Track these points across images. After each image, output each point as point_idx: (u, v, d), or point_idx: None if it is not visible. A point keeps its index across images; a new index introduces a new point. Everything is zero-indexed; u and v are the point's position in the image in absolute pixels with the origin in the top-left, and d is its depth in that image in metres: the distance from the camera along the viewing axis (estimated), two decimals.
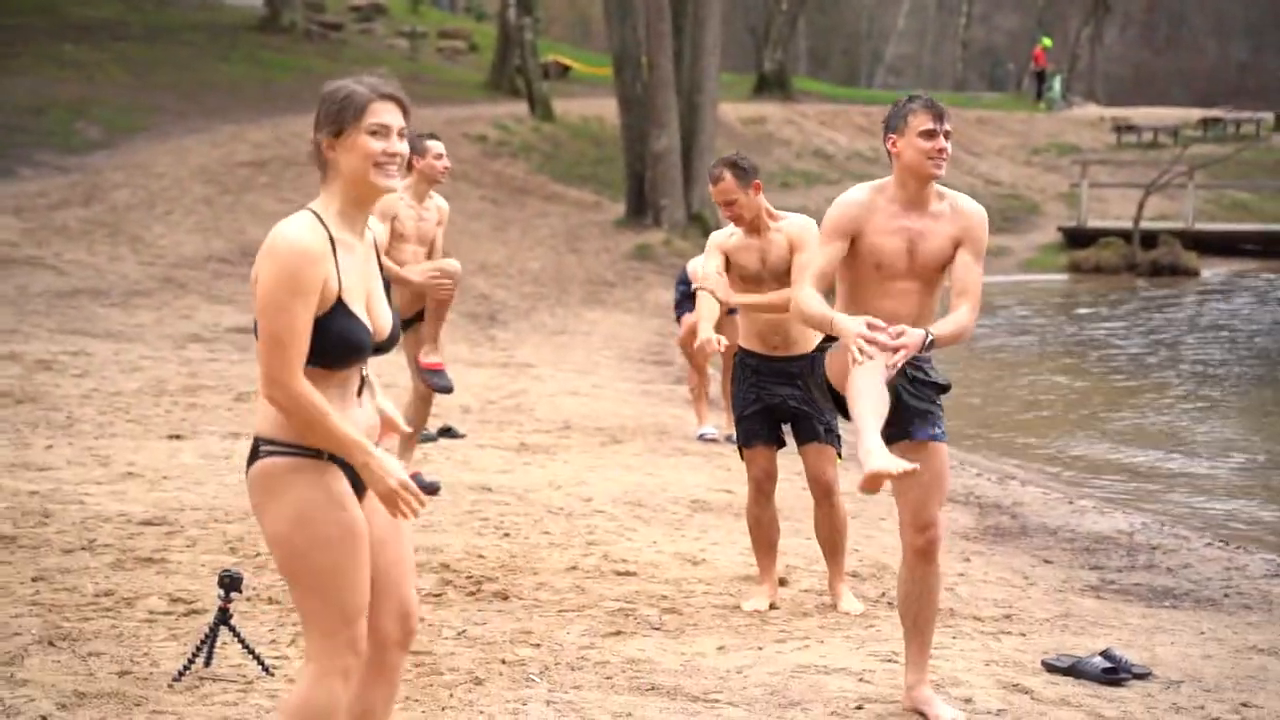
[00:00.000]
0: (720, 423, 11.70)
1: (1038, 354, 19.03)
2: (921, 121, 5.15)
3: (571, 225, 25.79)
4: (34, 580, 6.59)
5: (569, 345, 17.51)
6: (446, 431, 10.82)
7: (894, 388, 5.10)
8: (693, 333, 11.32)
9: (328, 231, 3.64)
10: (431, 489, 8.83)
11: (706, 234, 26.78)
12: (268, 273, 3.55)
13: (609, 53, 28.90)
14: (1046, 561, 8.42)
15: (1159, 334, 20.86)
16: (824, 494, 6.76)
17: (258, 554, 7.26)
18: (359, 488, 3.70)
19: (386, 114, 3.67)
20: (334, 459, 3.64)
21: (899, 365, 4.84)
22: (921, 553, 5.27)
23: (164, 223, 22.13)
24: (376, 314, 3.76)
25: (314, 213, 3.67)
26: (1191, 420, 14.00)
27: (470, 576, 7.06)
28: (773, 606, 6.80)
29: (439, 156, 8.43)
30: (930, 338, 4.93)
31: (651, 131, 25.14)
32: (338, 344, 3.62)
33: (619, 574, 7.29)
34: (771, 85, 41.07)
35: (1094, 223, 31.54)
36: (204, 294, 18.34)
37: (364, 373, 3.77)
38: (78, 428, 10.39)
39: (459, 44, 42.34)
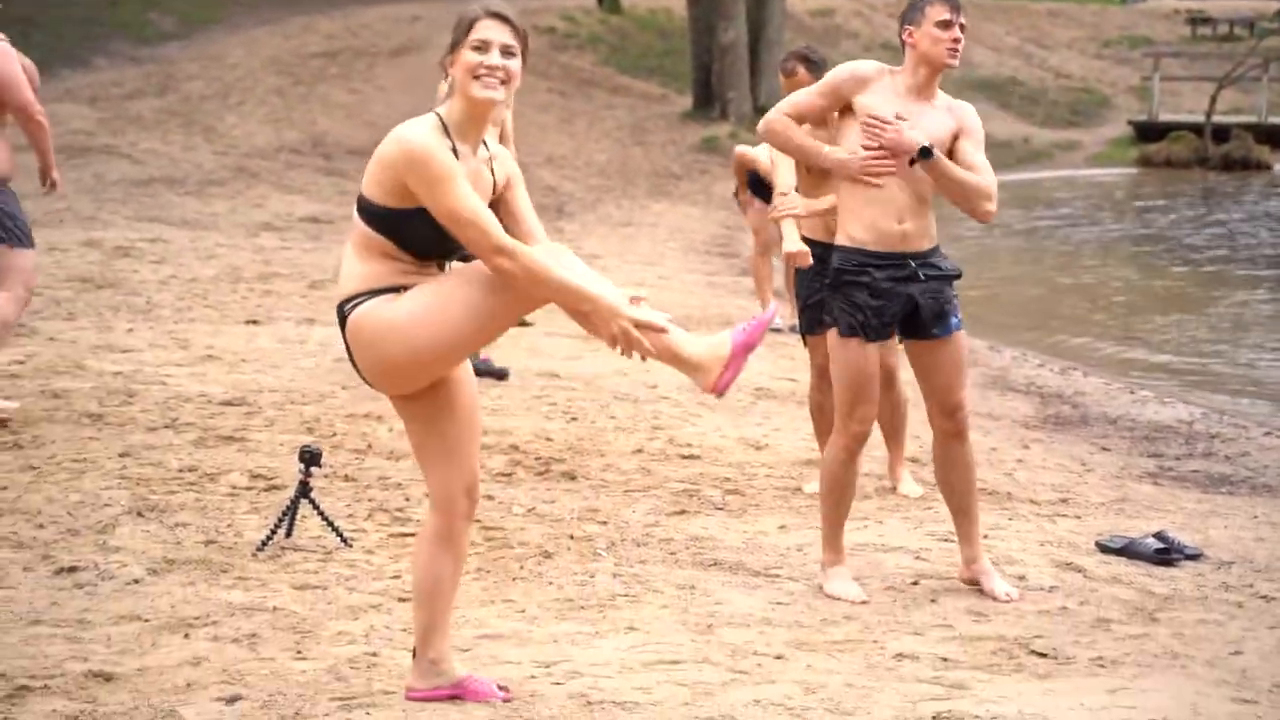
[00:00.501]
0: (785, 313, 11.79)
1: (1101, 247, 18.95)
2: (938, 12, 5.29)
3: (638, 118, 25.77)
4: (121, 456, 6.83)
5: (635, 237, 17.60)
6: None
7: (910, 296, 5.24)
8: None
9: (450, 139, 3.81)
10: (501, 374, 9.02)
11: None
12: (416, 176, 3.72)
13: None
14: (1105, 449, 8.53)
15: (1227, 228, 20.69)
16: (886, 380, 6.88)
17: (334, 433, 7.48)
18: None
19: (490, 30, 3.84)
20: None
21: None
22: (954, 435, 5.45)
23: (237, 113, 22.33)
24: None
25: (438, 115, 3.85)
26: (1257, 315, 13.97)
27: (539, 457, 7.26)
28: None
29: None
30: (931, 148, 5.08)
31: (719, 24, 25.00)
32: (426, 240, 3.81)
33: (684, 457, 7.46)
34: None
35: (1165, 116, 31.11)
36: (276, 184, 18.54)
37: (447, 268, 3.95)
38: (157, 312, 10.64)
39: None
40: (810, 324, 6.86)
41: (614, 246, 16.29)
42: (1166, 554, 6.04)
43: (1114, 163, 28.89)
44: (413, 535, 5.94)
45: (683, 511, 6.48)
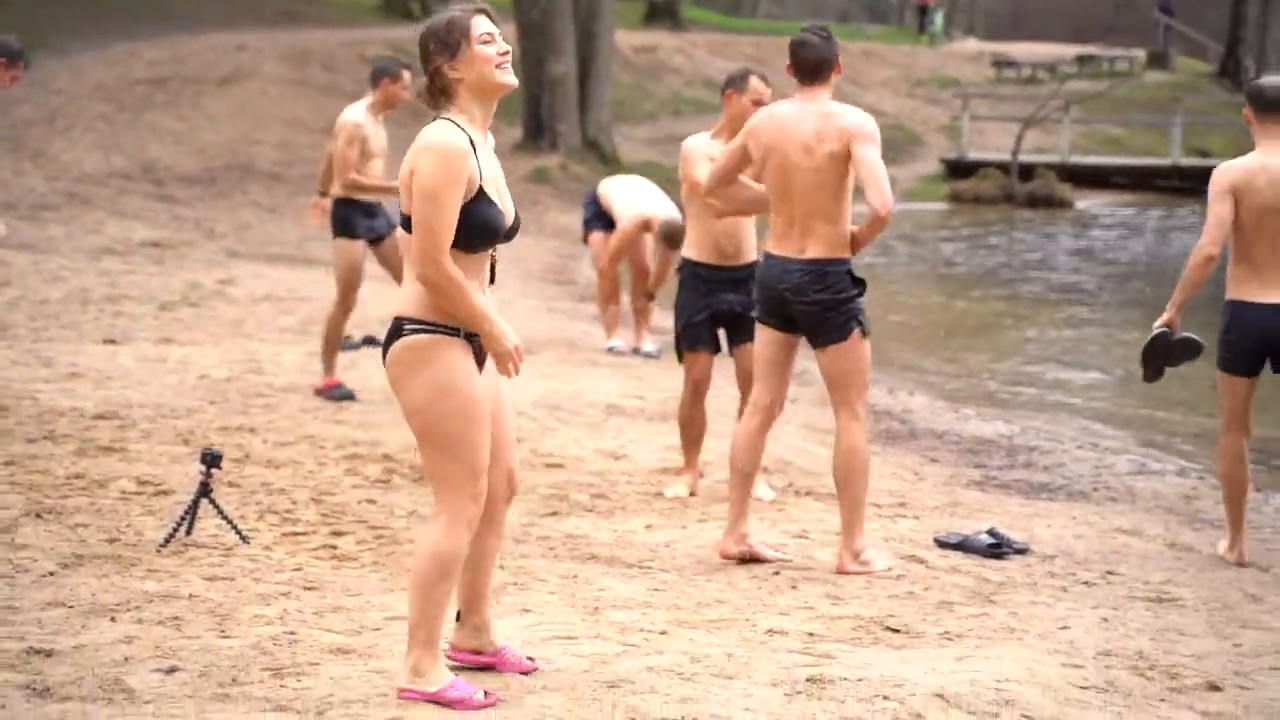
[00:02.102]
0: (629, 337, 12.30)
1: (918, 276, 19.85)
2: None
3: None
4: (6, 464, 7.07)
5: None
6: (370, 340, 11.32)
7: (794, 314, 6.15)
8: (608, 249, 11.92)
9: (467, 134, 4.21)
10: (348, 395, 9.28)
11: (602, 159, 27.40)
12: (425, 168, 4.13)
13: None
14: (934, 461, 9.17)
15: (1032, 259, 21.79)
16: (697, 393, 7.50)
17: (210, 445, 7.77)
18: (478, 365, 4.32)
19: (487, 24, 4.29)
20: (467, 337, 4.25)
21: None
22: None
23: (65, 138, 22.22)
24: (506, 204, 4.34)
25: (451, 120, 4.24)
26: (1063, 337, 14.88)
27: (413, 466, 7.64)
28: (692, 494, 7.47)
29: (406, 87, 9.14)
30: None
31: (549, 57, 25.51)
32: (480, 228, 4.21)
33: (548, 466, 7.91)
34: (661, 13, 41.50)
35: (974, 154, 32.46)
36: (110, 209, 18.56)
37: (493, 255, 4.36)
38: (13, 332, 10.78)
39: None
40: (693, 340, 7.33)
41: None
42: (998, 548, 6.66)
43: (927, 198, 30.06)
44: (302, 535, 6.31)
45: (555, 513, 6.94)
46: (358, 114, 9.32)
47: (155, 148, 22.43)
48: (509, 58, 4.31)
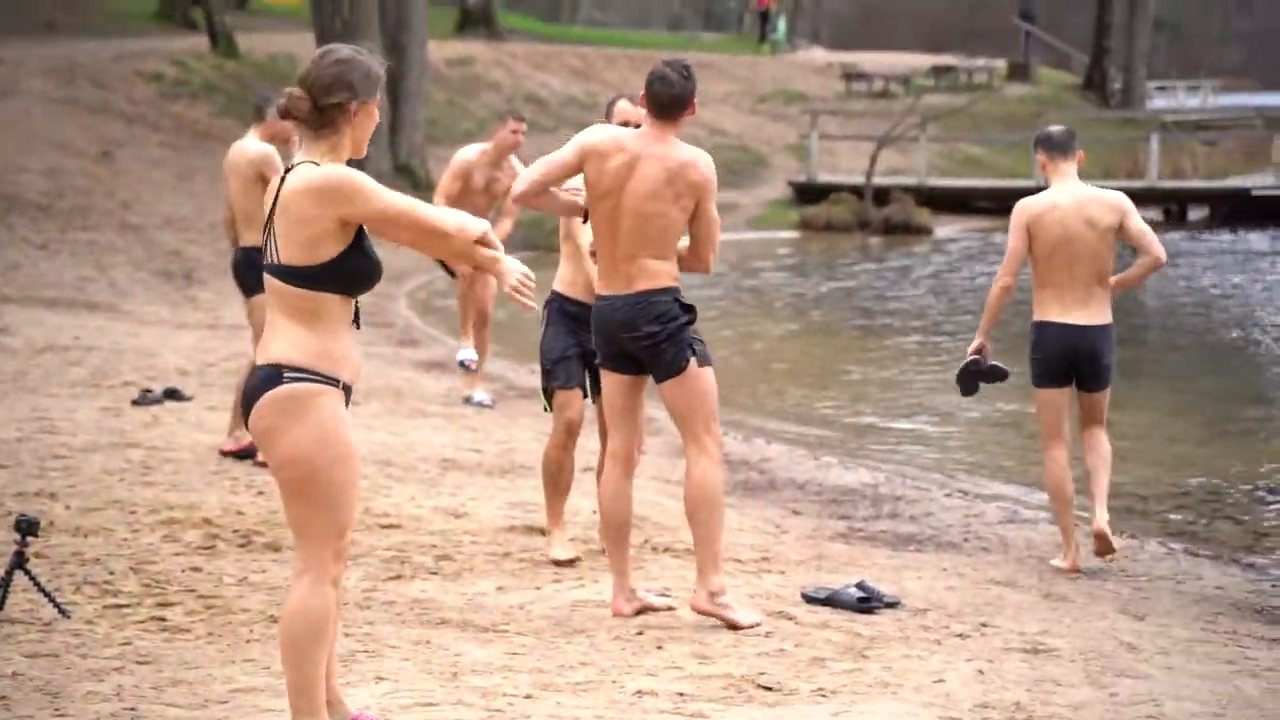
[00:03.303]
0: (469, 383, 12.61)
1: (768, 313, 20.50)
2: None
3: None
4: None
5: None
6: (172, 393, 11.54)
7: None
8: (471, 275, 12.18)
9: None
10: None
11: (415, 185, 27.72)
12: (363, 188, 4.59)
13: None
14: (796, 513, 9.68)
15: (889, 293, 22.59)
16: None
17: (8, 513, 7.97)
18: None
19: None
20: (343, 388, 4.65)
21: None
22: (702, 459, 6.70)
23: None
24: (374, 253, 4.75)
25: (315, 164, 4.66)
26: (924, 376, 15.56)
27: (236, 530, 7.93)
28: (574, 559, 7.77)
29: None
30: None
31: None
32: (362, 274, 4.67)
33: (384, 527, 8.25)
34: (476, 22, 41.99)
35: (824, 177, 33.44)
36: None
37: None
38: None
39: None
40: (567, 378, 7.65)
41: None
42: (868, 602, 7.16)
43: (775, 225, 30.89)
44: (126, 607, 6.58)
45: (398, 577, 7.29)
46: (260, 147, 9.66)
47: None
48: None
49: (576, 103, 36.50)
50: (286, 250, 4.63)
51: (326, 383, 4.64)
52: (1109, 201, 8.31)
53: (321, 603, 4.65)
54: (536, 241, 22.99)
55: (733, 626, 6.56)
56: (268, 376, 4.65)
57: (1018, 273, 8.32)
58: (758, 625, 6.63)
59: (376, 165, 26.02)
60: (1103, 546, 8.30)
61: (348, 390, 4.70)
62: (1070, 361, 8.29)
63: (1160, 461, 11.80)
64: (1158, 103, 51.21)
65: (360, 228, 4.66)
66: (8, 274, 18.09)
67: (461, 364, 12.34)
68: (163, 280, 19.21)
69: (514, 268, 4.73)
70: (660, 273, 6.65)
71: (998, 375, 8.50)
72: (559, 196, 6.85)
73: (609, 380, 6.84)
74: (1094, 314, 8.29)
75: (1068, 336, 8.25)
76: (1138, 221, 8.32)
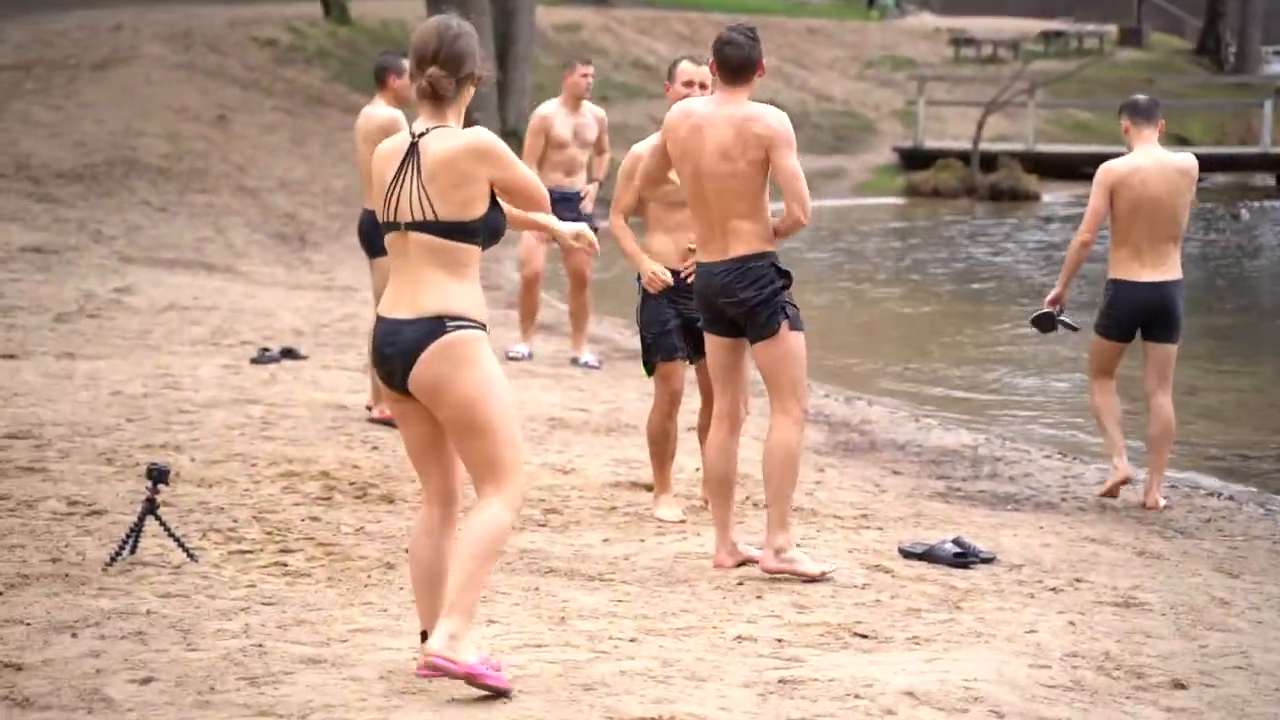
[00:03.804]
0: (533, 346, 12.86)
1: (869, 277, 20.62)
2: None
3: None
4: None
5: None
6: (289, 353, 11.89)
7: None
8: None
9: None
10: None
11: (522, 151, 27.99)
12: (507, 154, 5.09)
13: None
14: (896, 473, 9.87)
15: (994, 259, 22.62)
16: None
17: (135, 463, 8.33)
18: None
19: None
20: None
21: None
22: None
23: None
24: None
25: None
26: (1027, 343, 15.65)
27: (353, 483, 8.25)
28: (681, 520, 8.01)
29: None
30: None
31: None
32: (496, 230, 5.10)
33: None
34: None
35: (931, 143, 33.37)
36: None
37: None
38: None
39: None
40: (669, 350, 7.84)
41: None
42: (964, 557, 7.35)
43: (881, 192, 30.93)
44: (250, 553, 6.90)
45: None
46: (389, 112, 9.88)
47: (28, 141, 22.80)
48: None
49: None
50: (444, 207, 5.02)
51: (481, 329, 5.07)
52: (1186, 165, 8.93)
53: (510, 524, 5.13)
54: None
55: (806, 578, 6.75)
56: (431, 329, 5.01)
57: (1097, 230, 8.94)
58: (830, 573, 6.79)
59: (486, 129, 26.36)
60: (1115, 489, 9.09)
61: None
62: (1143, 317, 8.96)
63: (1263, 424, 11.88)
64: (1273, 67, 50.58)
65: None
66: (130, 235, 18.57)
67: (510, 356, 12.43)
68: (278, 242, 19.62)
69: (571, 229, 5.47)
70: (754, 236, 6.83)
71: (1070, 328, 9.35)
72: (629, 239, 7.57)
73: (712, 343, 7.05)
74: (1168, 270, 8.92)
75: (1144, 292, 8.91)
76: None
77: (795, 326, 6.85)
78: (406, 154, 5.08)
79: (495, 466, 5.07)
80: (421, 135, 5.10)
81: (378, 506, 7.85)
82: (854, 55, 40.70)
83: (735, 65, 6.83)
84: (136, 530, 6.60)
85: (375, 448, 9.16)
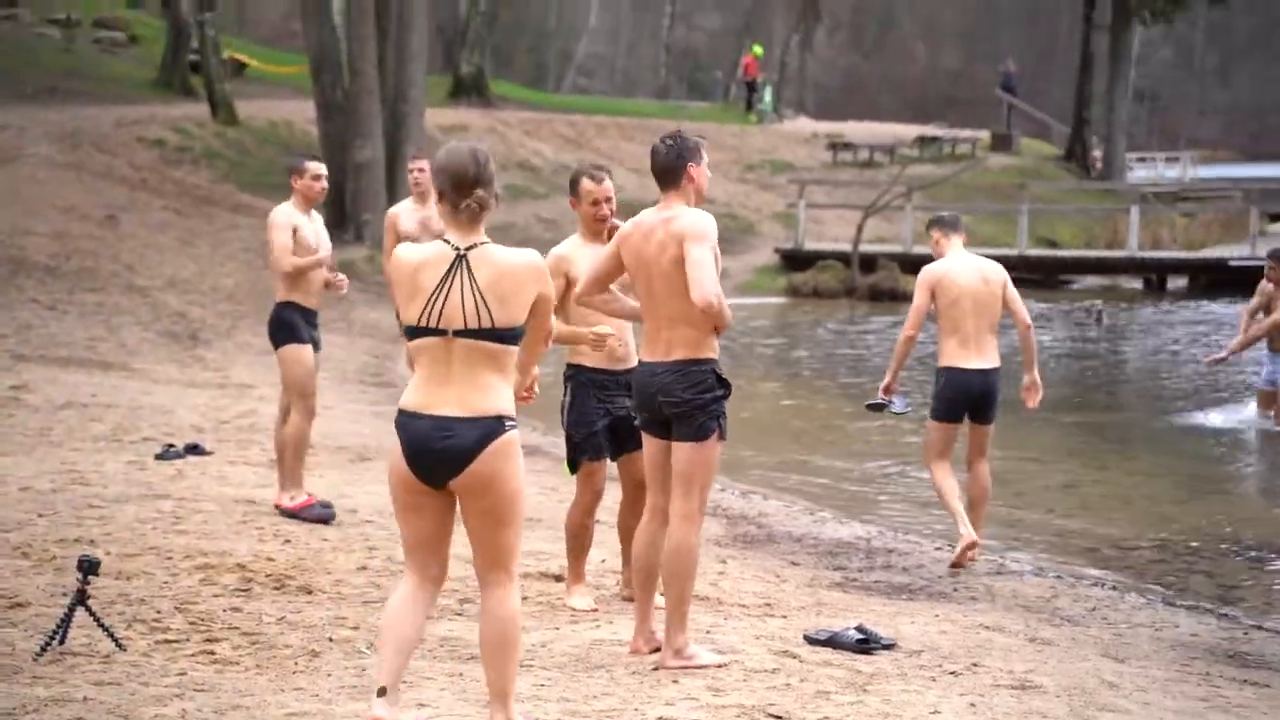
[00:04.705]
0: None
1: (758, 374, 21.02)
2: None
3: (265, 240, 26.72)
4: None
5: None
6: (194, 448, 12.01)
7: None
8: None
9: None
10: (328, 516, 10.06)
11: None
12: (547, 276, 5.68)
13: (302, 52, 29.95)
14: (794, 564, 10.17)
15: (875, 358, 23.12)
16: (642, 493, 8.29)
17: (53, 557, 8.44)
18: None
19: None
20: None
21: None
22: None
23: None
24: None
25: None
26: (910, 436, 16.05)
27: (269, 575, 8.40)
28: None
29: (317, 177, 10.25)
30: None
31: (354, 141, 26.32)
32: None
33: None
34: (469, 89, 42.70)
35: (811, 244, 34.07)
36: None
37: None
38: None
39: (118, 35, 42.77)
40: (596, 450, 8.12)
41: (263, 375, 17.32)
42: (866, 643, 7.65)
43: (763, 291, 31.47)
44: (176, 642, 7.04)
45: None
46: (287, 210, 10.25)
47: None
48: None
49: (568, 170, 37.09)
50: (502, 316, 5.45)
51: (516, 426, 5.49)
52: (994, 266, 10.15)
53: (519, 605, 5.68)
54: None
55: (707, 668, 6.98)
56: (493, 428, 5.41)
57: (919, 325, 10.05)
58: (725, 664, 7.03)
59: (375, 231, 26.56)
60: (963, 557, 9.89)
61: None
62: (971, 401, 10.01)
63: (1141, 518, 12.33)
64: (1138, 174, 52.11)
65: None
66: (21, 333, 18.54)
67: None
68: (169, 340, 19.66)
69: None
70: (698, 343, 7.09)
71: (897, 414, 10.49)
72: (624, 301, 7.46)
73: (649, 443, 7.27)
74: (991, 358, 10.02)
75: (972, 378, 9.97)
76: (1013, 288, 10.15)
77: (722, 437, 7.12)
78: (452, 266, 5.45)
79: (511, 553, 5.54)
80: (469, 249, 5.49)
81: (297, 597, 8.01)
82: (734, 159, 41.43)
83: (658, 171, 7.18)
84: (67, 620, 6.74)
85: (288, 541, 9.32)
